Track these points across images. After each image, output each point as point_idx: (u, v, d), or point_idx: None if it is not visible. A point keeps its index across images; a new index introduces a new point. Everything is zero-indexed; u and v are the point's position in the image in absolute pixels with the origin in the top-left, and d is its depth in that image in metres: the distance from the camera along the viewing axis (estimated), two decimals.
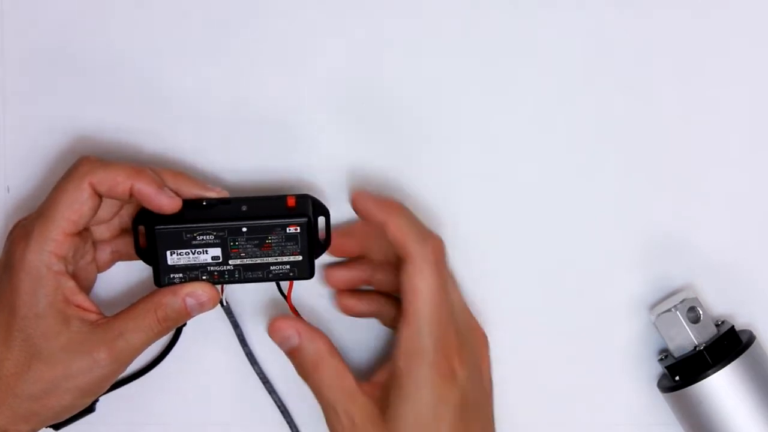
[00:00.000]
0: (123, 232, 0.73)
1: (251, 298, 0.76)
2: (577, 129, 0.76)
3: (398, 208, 0.70)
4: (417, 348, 0.68)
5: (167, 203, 0.69)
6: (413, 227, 0.69)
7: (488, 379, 0.74)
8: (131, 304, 0.70)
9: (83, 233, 0.71)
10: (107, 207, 0.71)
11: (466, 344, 0.70)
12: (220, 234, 0.69)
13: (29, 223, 0.69)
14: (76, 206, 0.68)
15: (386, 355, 0.74)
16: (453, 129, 0.76)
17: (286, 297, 0.73)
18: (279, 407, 0.77)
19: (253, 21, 0.76)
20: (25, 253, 0.67)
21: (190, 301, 0.69)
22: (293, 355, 0.70)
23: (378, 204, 0.70)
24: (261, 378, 0.77)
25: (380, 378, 0.70)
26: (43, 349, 0.68)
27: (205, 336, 0.77)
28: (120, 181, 0.68)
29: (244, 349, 0.76)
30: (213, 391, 0.78)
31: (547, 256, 0.77)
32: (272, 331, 0.70)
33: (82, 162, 0.69)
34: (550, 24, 0.76)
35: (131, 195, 0.68)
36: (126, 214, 0.73)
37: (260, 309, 0.76)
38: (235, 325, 0.76)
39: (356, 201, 0.70)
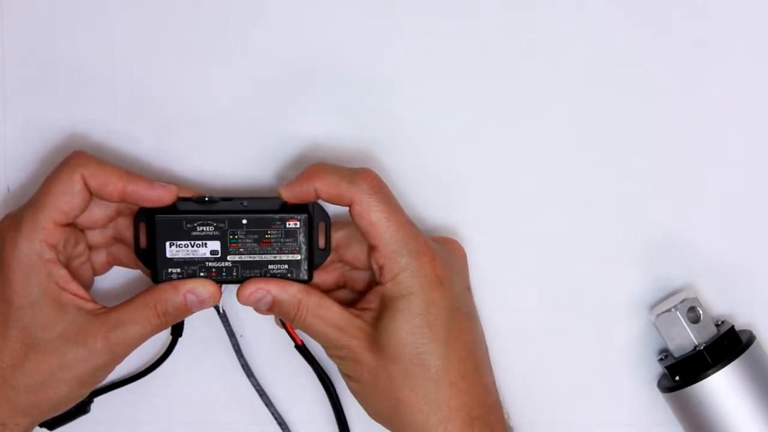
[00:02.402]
0: (117, 240, 0.73)
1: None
2: (577, 129, 0.76)
3: (317, 169, 0.69)
4: (397, 265, 0.68)
5: (163, 192, 0.69)
6: (340, 174, 0.69)
7: (470, 288, 0.74)
8: (131, 297, 0.70)
9: (76, 230, 0.71)
10: (102, 209, 0.71)
11: (443, 252, 0.71)
12: (220, 225, 0.69)
13: (19, 212, 0.69)
14: (67, 197, 0.68)
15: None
16: (452, 129, 0.76)
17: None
18: (276, 419, 0.77)
19: (249, 21, 0.76)
20: (16, 242, 0.67)
21: (190, 297, 0.69)
22: (273, 311, 0.70)
23: (301, 181, 0.69)
24: (257, 390, 0.76)
25: (368, 302, 0.70)
26: (40, 339, 0.68)
27: (201, 346, 0.77)
28: (112, 181, 0.68)
29: (239, 360, 0.76)
30: (208, 401, 0.78)
31: (547, 255, 0.77)
32: (243, 299, 0.69)
33: (75, 155, 0.69)
34: (549, 24, 0.76)
35: (122, 198, 0.68)
36: (122, 224, 0.73)
37: (257, 318, 0.75)
38: (231, 335, 0.76)
39: (287, 195, 0.69)
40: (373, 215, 0.68)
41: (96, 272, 0.74)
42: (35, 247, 0.67)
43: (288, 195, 0.69)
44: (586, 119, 0.76)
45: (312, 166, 0.69)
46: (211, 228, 0.69)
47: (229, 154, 0.76)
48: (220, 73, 0.76)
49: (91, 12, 0.75)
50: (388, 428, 0.71)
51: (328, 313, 0.69)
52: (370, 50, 0.76)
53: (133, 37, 0.76)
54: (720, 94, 0.76)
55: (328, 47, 0.76)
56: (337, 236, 0.72)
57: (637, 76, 0.76)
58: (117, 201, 0.69)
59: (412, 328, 0.68)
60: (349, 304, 0.71)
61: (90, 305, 0.69)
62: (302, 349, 0.74)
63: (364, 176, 0.69)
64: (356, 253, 0.72)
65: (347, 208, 0.69)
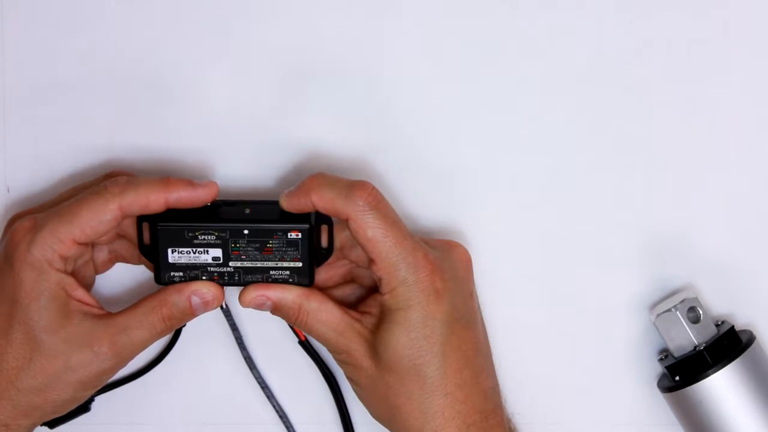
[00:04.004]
0: (119, 237, 0.73)
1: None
2: (577, 129, 0.76)
3: (314, 182, 0.69)
4: (395, 279, 0.68)
5: (204, 192, 0.69)
6: (335, 188, 0.68)
7: (474, 293, 0.74)
8: (135, 301, 0.70)
9: None
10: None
11: (443, 262, 0.70)
12: (222, 235, 0.69)
13: (41, 218, 0.68)
14: (94, 223, 0.68)
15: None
16: (452, 129, 0.76)
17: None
18: (277, 412, 0.77)
19: (249, 22, 0.76)
20: (30, 246, 0.67)
21: (194, 300, 0.69)
22: (275, 313, 0.71)
23: (298, 194, 0.69)
24: (259, 382, 0.77)
25: (369, 307, 0.71)
26: (44, 341, 0.68)
27: (204, 338, 0.77)
28: (153, 200, 0.68)
29: (242, 353, 0.77)
30: (211, 393, 0.78)
31: (547, 255, 0.77)
32: (244, 304, 0.70)
33: (113, 183, 0.68)
34: (549, 24, 0.76)
35: (167, 208, 0.68)
36: (124, 222, 0.72)
37: (259, 313, 0.75)
38: (234, 328, 0.76)
39: (286, 205, 0.69)
40: (369, 232, 0.68)
41: (98, 270, 0.74)
42: (48, 255, 0.67)
43: (287, 206, 0.69)
44: (586, 119, 0.76)
45: (310, 177, 0.69)
46: (213, 237, 0.69)
47: (229, 153, 0.76)
48: (221, 73, 0.76)
49: (91, 12, 0.75)
50: (389, 429, 0.71)
51: (328, 316, 0.70)
52: (370, 50, 0.76)
53: (134, 38, 0.75)
54: (720, 94, 0.76)
55: (328, 47, 0.76)
56: (342, 236, 0.72)
57: (637, 76, 0.76)
58: (162, 211, 0.69)
59: (409, 341, 0.69)
60: (357, 299, 0.72)
61: (96, 310, 0.69)
62: (305, 345, 0.75)
63: (360, 192, 0.68)
64: (360, 253, 0.72)
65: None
